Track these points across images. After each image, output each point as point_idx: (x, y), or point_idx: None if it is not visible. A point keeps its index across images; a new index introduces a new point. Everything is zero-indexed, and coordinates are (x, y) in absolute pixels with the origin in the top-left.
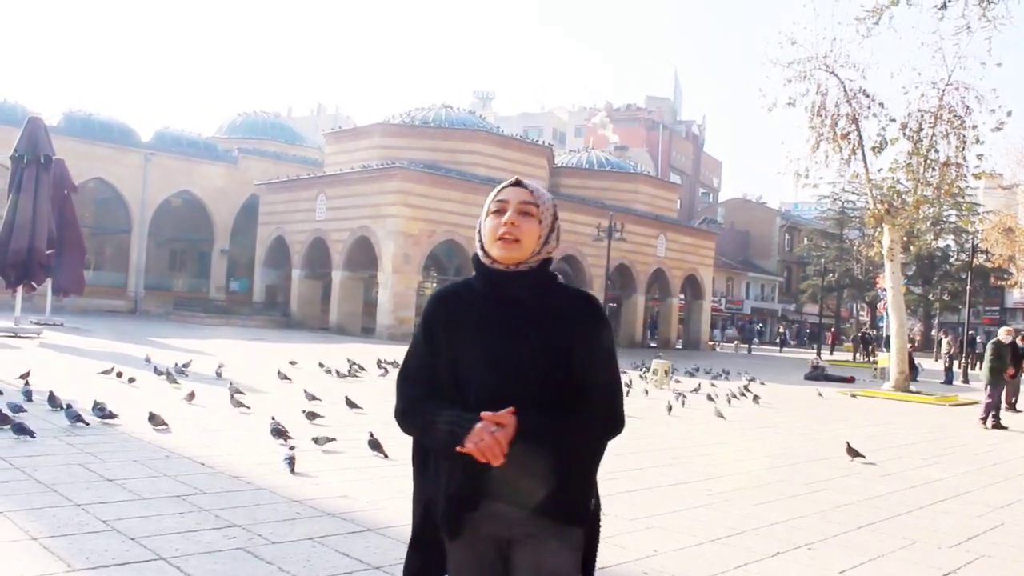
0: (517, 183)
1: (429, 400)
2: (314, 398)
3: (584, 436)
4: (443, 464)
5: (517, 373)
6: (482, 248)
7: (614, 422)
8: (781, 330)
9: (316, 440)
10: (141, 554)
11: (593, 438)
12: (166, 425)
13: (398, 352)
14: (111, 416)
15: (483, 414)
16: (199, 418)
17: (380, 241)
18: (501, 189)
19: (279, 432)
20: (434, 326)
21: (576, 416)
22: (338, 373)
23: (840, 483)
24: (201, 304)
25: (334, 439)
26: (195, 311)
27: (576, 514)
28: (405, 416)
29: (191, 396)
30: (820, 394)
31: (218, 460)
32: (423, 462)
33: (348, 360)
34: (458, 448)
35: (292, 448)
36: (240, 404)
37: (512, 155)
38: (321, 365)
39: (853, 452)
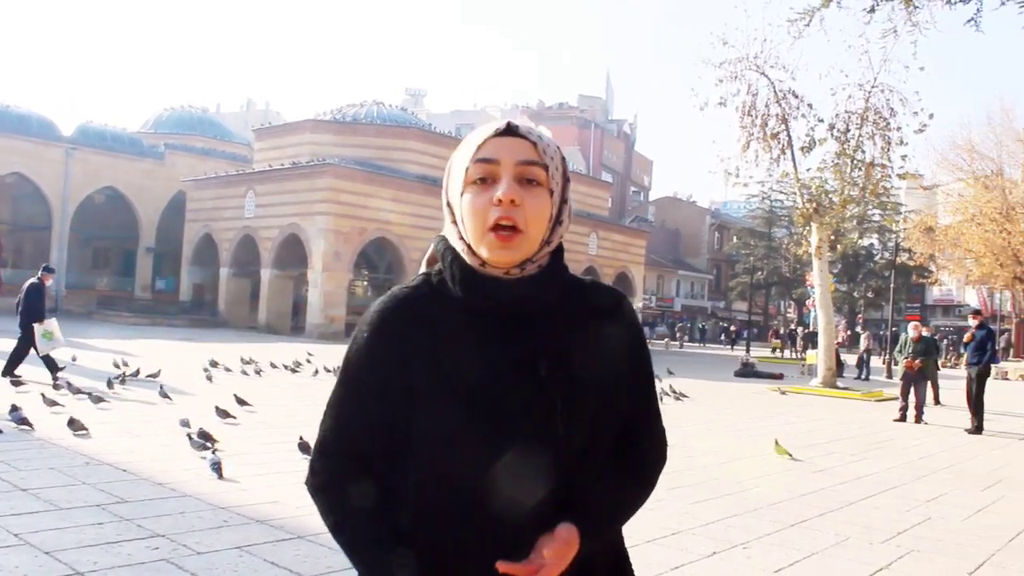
0: (510, 130)
1: (362, 482)
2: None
3: (643, 500)
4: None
5: (538, 432)
6: (461, 239)
7: (663, 462)
8: (733, 328)
9: (190, 437)
10: (56, 569)
11: (649, 494)
12: (86, 430)
13: (320, 351)
14: (26, 422)
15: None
16: (122, 422)
17: (310, 239)
18: (486, 140)
19: (205, 436)
20: (382, 354)
21: (635, 479)
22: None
23: (772, 480)
24: (126, 303)
25: (216, 443)
26: (119, 310)
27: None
28: (322, 494)
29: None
30: (750, 391)
31: (141, 466)
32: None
33: (241, 359)
34: None
35: (216, 452)
36: (52, 401)
37: (445, 152)
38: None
39: (781, 450)
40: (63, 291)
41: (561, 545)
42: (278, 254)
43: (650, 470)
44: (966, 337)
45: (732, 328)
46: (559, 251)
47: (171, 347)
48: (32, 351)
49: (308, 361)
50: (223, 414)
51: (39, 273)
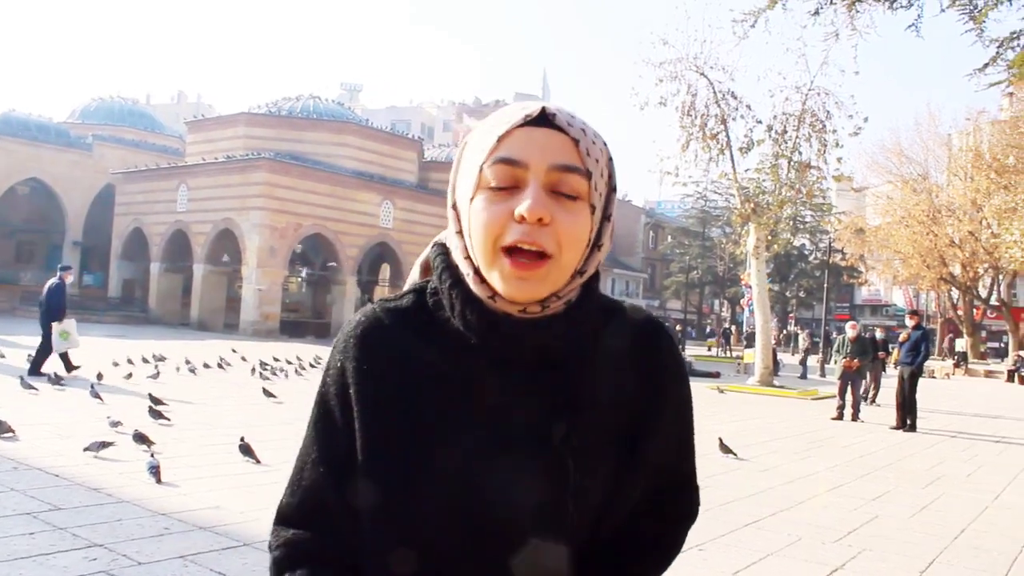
0: (544, 118)
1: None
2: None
3: (660, 570)
4: None
5: (546, 512)
6: (467, 258)
7: (691, 520)
8: (679, 328)
9: (89, 448)
10: None
11: (668, 561)
12: (13, 432)
13: (254, 349)
14: None
15: None
16: (52, 423)
17: (244, 234)
18: (511, 130)
19: (142, 438)
20: (355, 393)
21: (651, 555)
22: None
23: (720, 480)
24: None
25: (112, 443)
26: None
27: None
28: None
29: None
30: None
31: (74, 470)
32: None
33: (153, 355)
34: None
35: (154, 455)
36: None
37: (382, 148)
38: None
39: (725, 449)
40: None
41: None
42: (211, 249)
43: (674, 538)
44: (901, 337)
45: (678, 327)
46: (592, 280)
47: (100, 344)
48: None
49: (243, 359)
50: (156, 415)
51: (58, 272)
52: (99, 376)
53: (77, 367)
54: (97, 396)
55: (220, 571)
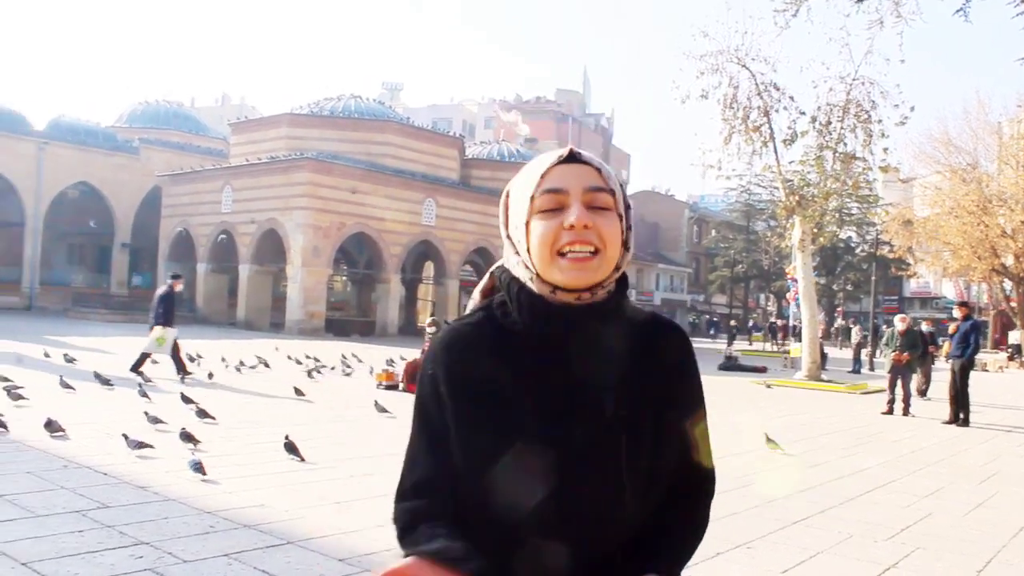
0: (572, 157)
1: (435, 523)
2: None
3: (698, 542)
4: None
5: (603, 472)
6: (530, 267)
7: (712, 498)
8: (734, 323)
9: (126, 437)
10: None
11: (702, 534)
12: (63, 431)
13: (300, 347)
14: (2, 424)
15: None
16: (100, 422)
17: (289, 234)
18: (550, 168)
19: (188, 436)
20: (446, 390)
21: (695, 527)
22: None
23: (768, 476)
24: (101, 300)
25: (151, 446)
26: (95, 307)
27: None
28: (404, 541)
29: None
30: (736, 385)
31: (121, 469)
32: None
33: (188, 355)
34: None
35: (195, 452)
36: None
37: (423, 146)
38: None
39: (772, 444)
40: (37, 288)
41: None
42: (256, 249)
43: (704, 513)
44: (951, 329)
45: (733, 323)
46: (624, 279)
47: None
48: (170, 347)
49: (288, 357)
50: (202, 413)
51: (168, 280)
52: (145, 377)
53: (141, 372)
54: (145, 395)
55: (264, 569)
